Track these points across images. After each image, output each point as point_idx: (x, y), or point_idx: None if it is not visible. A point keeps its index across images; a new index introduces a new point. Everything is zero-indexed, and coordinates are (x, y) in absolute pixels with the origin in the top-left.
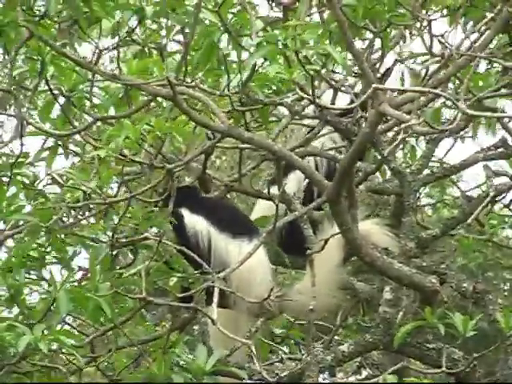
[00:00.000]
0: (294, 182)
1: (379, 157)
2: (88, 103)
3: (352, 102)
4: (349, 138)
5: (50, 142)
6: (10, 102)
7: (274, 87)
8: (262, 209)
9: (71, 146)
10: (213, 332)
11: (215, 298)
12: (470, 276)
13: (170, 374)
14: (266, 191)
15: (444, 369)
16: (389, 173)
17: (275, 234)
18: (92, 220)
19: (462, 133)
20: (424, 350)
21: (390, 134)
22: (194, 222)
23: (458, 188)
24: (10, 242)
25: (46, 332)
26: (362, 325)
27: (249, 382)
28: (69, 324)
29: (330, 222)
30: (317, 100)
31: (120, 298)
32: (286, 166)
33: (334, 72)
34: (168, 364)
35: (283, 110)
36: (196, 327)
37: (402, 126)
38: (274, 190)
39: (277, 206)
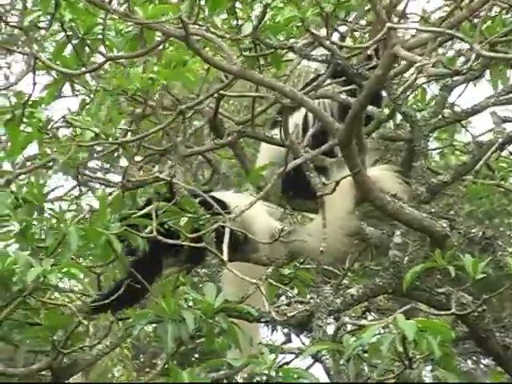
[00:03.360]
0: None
1: (391, 101)
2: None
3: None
4: (359, 83)
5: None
6: (18, 43)
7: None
8: (266, 154)
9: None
10: (226, 278)
11: (226, 239)
12: (477, 222)
13: (180, 310)
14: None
15: (453, 310)
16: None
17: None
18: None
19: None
20: (433, 295)
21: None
22: None
23: (470, 133)
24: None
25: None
26: (370, 269)
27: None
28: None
29: (341, 167)
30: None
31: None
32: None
33: (345, 21)
34: (177, 302)
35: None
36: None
37: (415, 65)
38: (275, 132)
39: (287, 150)
